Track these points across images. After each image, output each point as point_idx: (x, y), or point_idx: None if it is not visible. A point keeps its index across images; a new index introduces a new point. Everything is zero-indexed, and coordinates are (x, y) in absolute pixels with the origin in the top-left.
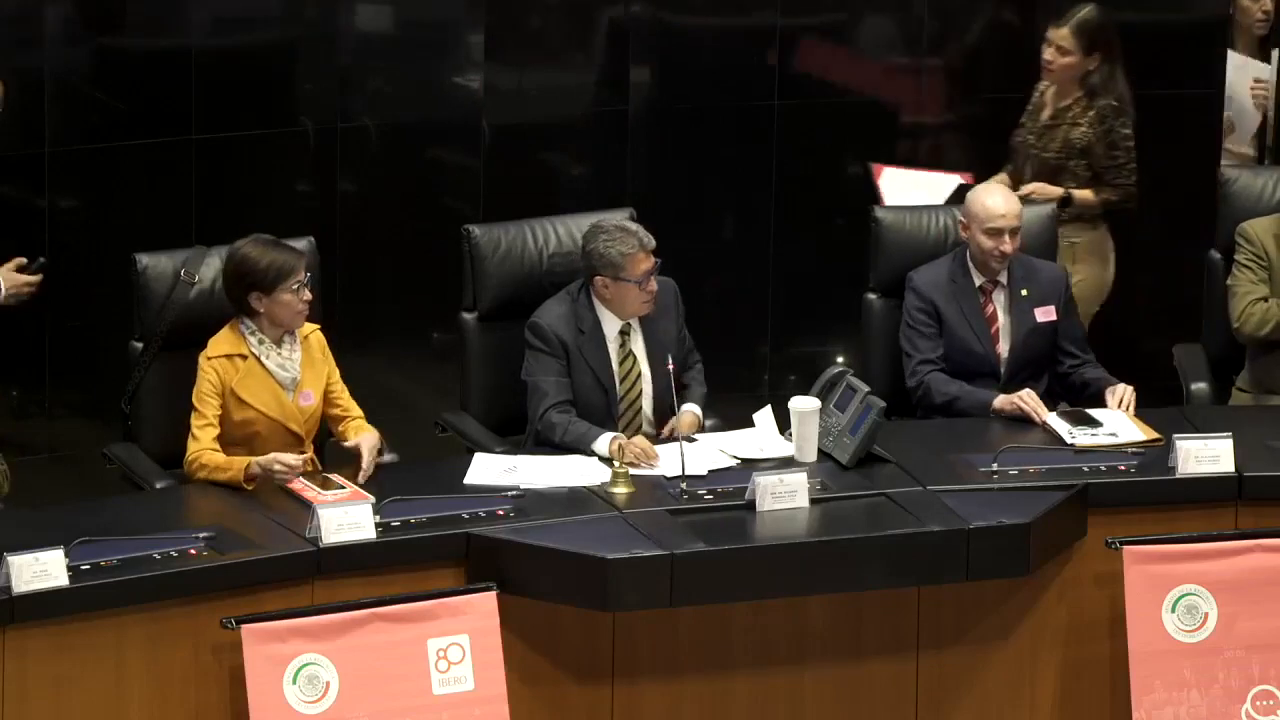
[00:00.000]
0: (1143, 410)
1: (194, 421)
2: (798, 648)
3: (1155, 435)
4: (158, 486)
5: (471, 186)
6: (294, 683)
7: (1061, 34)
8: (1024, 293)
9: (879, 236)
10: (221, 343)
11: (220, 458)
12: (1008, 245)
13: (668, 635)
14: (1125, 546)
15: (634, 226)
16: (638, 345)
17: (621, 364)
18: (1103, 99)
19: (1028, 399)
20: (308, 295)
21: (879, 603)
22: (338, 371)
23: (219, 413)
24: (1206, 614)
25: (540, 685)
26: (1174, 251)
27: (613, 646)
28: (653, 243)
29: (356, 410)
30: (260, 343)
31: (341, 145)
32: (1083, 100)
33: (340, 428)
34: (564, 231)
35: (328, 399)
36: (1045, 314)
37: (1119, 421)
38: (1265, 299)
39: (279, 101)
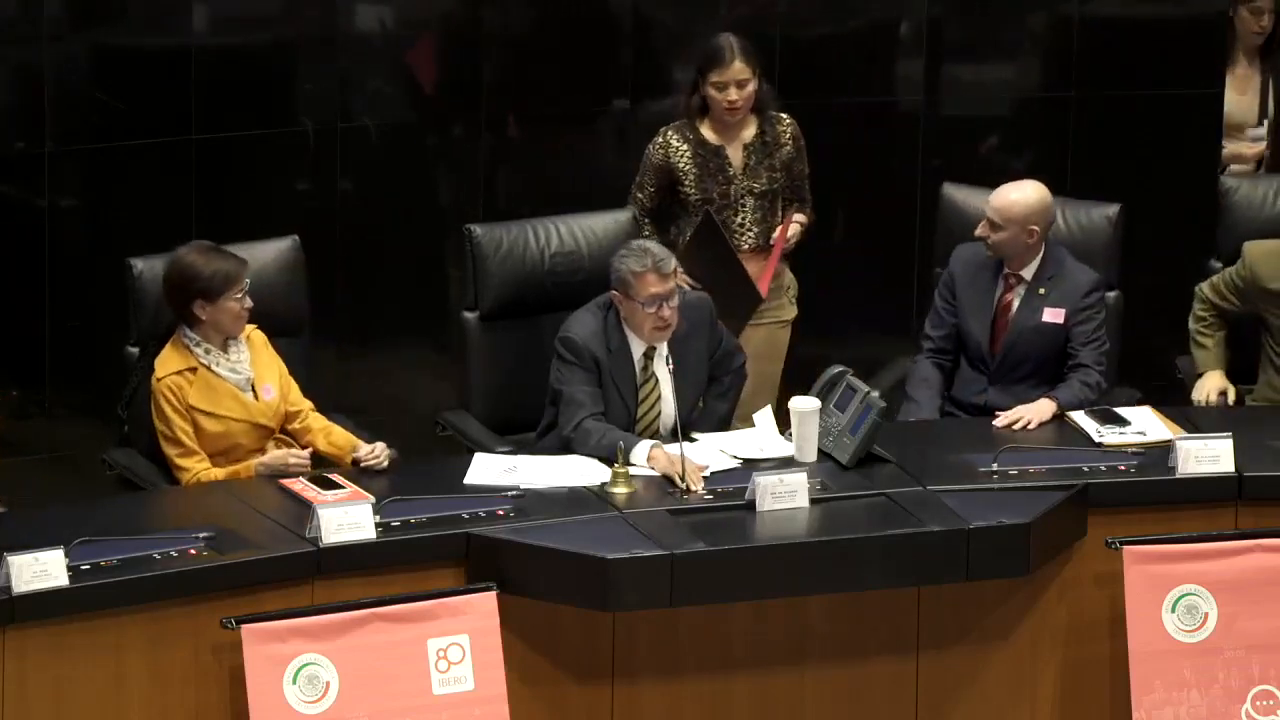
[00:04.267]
0: None
1: (173, 456)
2: (798, 648)
3: (1183, 434)
4: None
5: (471, 186)
6: (294, 683)
7: (737, 68)
8: (1041, 291)
9: (944, 211)
10: (169, 361)
11: (218, 471)
12: (979, 229)
13: (668, 635)
14: (1125, 546)
15: (656, 249)
16: (661, 368)
17: (642, 386)
18: (770, 109)
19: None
20: (249, 302)
21: (879, 603)
22: (283, 364)
23: (192, 435)
24: (1206, 614)
25: (540, 685)
26: (1174, 252)
27: (613, 646)
28: (670, 267)
29: (306, 403)
30: (207, 352)
31: (341, 145)
32: (758, 120)
33: (297, 425)
34: (565, 231)
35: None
36: (1053, 315)
37: (1147, 420)
38: (1204, 317)
39: (279, 101)
